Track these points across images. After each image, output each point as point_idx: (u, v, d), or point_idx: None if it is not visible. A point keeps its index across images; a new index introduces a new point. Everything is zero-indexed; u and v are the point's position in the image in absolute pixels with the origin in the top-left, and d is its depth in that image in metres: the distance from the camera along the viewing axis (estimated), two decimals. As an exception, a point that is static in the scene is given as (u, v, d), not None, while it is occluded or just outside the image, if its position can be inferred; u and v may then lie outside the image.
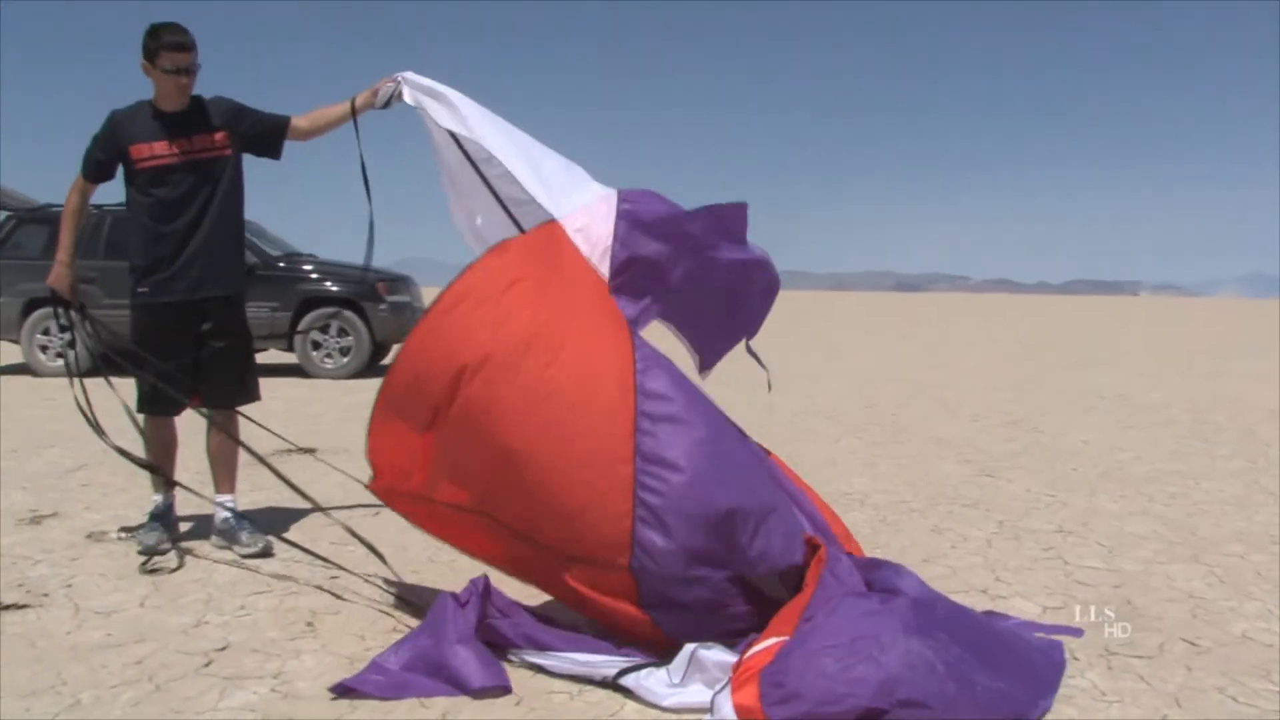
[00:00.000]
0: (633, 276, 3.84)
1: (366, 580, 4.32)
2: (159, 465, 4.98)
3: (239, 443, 5.02)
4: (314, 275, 13.54)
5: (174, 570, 4.49)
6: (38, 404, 10.32)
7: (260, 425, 5.19)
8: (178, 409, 4.95)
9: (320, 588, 4.26)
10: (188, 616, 3.90)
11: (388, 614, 3.94)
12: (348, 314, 13.30)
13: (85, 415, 4.71)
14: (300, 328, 13.17)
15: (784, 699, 2.88)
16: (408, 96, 4.35)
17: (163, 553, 4.72)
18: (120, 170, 4.79)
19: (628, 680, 3.23)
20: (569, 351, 3.52)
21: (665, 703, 3.13)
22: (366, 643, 3.63)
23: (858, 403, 11.14)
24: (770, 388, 4.05)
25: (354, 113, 4.66)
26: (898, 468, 7.19)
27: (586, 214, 3.90)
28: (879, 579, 3.47)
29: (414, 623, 3.74)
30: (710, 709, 3.00)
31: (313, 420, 9.30)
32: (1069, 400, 11.60)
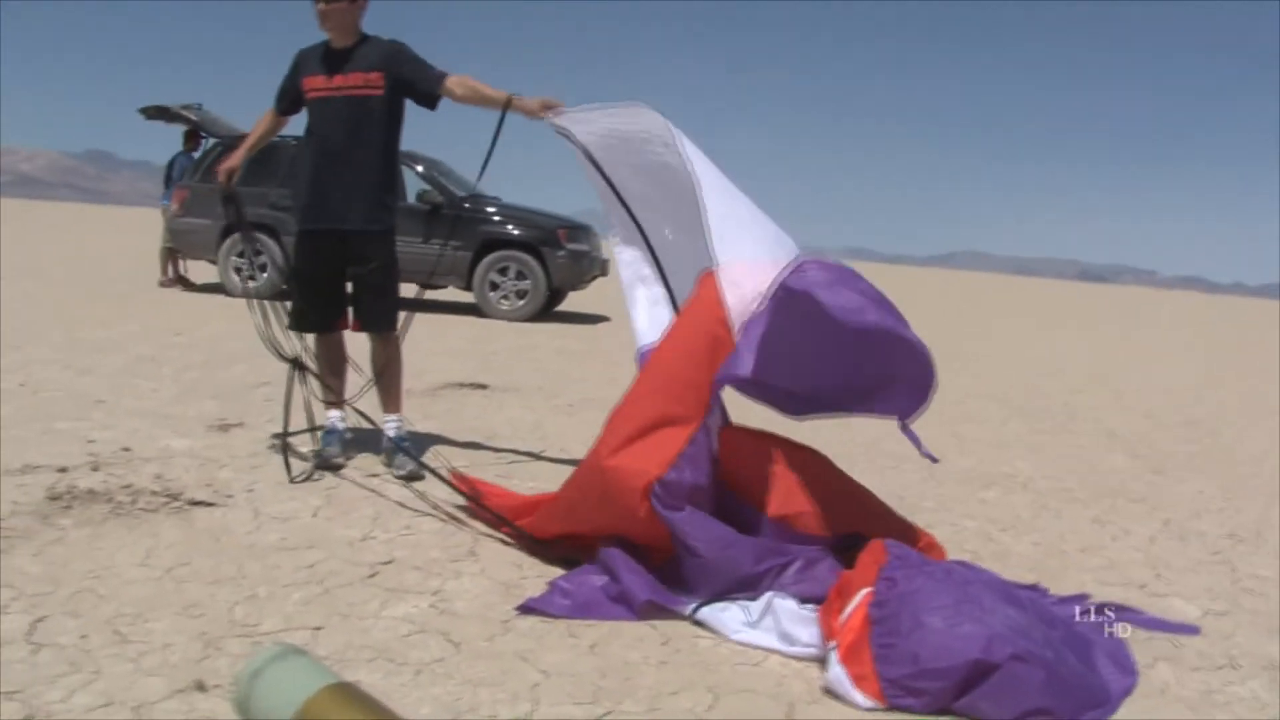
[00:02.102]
0: (766, 345, 3.69)
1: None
2: (327, 380, 5.23)
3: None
4: (496, 218, 13.82)
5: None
6: (229, 321, 10.84)
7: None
8: (327, 328, 5.20)
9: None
10: (356, 530, 4.10)
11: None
12: (526, 258, 13.56)
13: (264, 333, 5.05)
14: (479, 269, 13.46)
15: (896, 659, 2.98)
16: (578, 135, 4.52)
17: (335, 467, 4.96)
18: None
19: (703, 613, 3.44)
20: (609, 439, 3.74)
21: (734, 636, 3.33)
22: (524, 572, 3.76)
23: (1030, 388, 10.90)
24: (934, 460, 3.90)
25: (506, 107, 4.72)
26: (1064, 456, 7.03)
27: (748, 267, 3.82)
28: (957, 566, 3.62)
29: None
30: (823, 671, 3.09)
31: (486, 358, 9.55)
32: (1254, 407, 11.16)
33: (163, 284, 14.94)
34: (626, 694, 2.88)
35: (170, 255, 15.03)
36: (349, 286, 5.16)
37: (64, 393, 6.37)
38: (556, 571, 3.75)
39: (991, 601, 3.10)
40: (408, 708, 2.64)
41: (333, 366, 5.27)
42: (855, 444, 6.67)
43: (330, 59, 4.95)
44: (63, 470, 4.60)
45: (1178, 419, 9.49)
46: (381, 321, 5.16)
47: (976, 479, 6.00)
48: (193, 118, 14.25)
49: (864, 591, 3.24)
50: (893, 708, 2.91)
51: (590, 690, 2.88)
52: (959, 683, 2.89)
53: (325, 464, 4.95)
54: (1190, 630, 3.75)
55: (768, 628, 3.35)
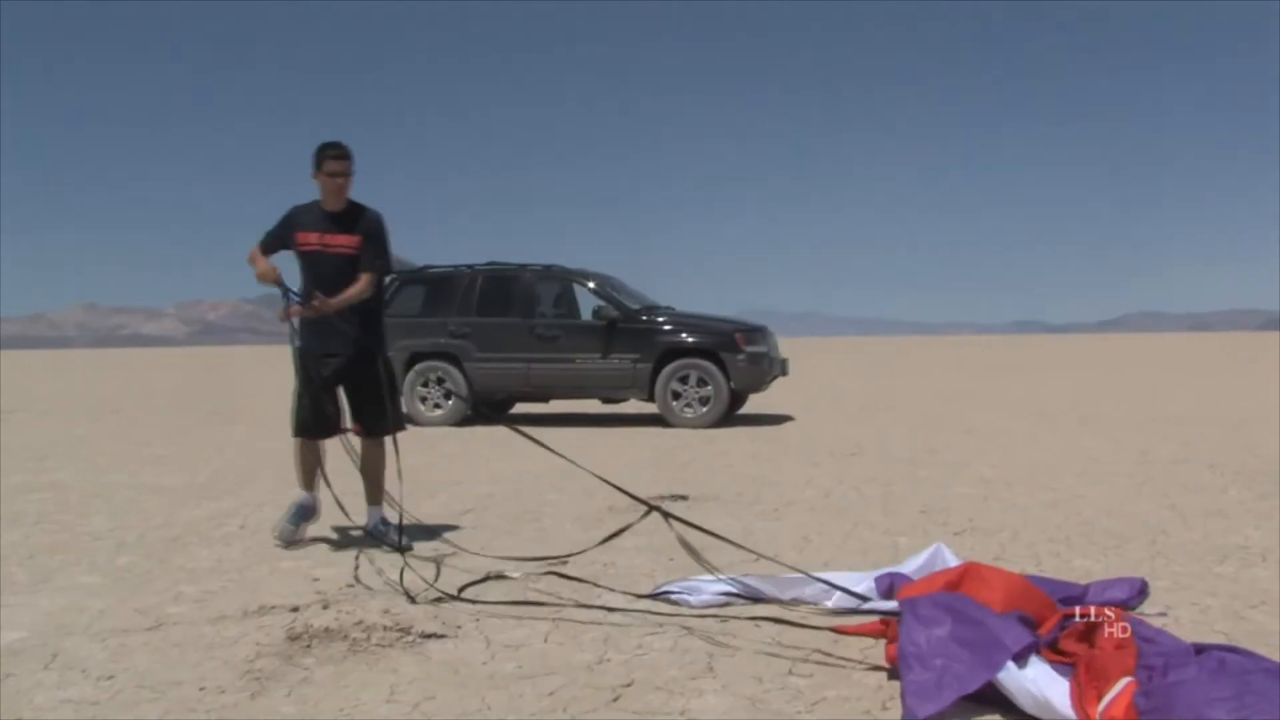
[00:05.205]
0: None
1: (755, 623, 4.44)
2: (309, 474, 6.36)
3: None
4: (672, 327, 13.96)
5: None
6: (421, 451, 11.12)
7: (616, 486, 5.40)
8: (327, 434, 6.32)
9: (710, 630, 4.38)
10: (590, 654, 4.10)
11: (779, 656, 4.01)
12: (706, 365, 13.65)
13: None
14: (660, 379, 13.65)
15: None
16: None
17: (298, 542, 6.20)
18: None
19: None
20: None
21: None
22: (765, 685, 3.70)
23: (1239, 448, 10.40)
24: None
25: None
26: (1298, 523, 6.63)
27: None
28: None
29: (805, 666, 3.84)
30: None
31: (680, 468, 9.57)
32: None
33: None
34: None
35: None
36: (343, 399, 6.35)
37: (282, 533, 6.59)
38: (799, 682, 3.69)
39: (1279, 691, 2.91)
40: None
41: (315, 462, 6.34)
42: (1071, 524, 6.46)
43: (323, 219, 6.14)
44: (295, 610, 4.75)
45: None
46: (381, 426, 6.31)
47: (1208, 553, 5.71)
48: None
49: (1125, 681, 3.10)
50: (1183, 808, 2.75)
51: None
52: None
53: (291, 540, 6.21)
54: None
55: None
